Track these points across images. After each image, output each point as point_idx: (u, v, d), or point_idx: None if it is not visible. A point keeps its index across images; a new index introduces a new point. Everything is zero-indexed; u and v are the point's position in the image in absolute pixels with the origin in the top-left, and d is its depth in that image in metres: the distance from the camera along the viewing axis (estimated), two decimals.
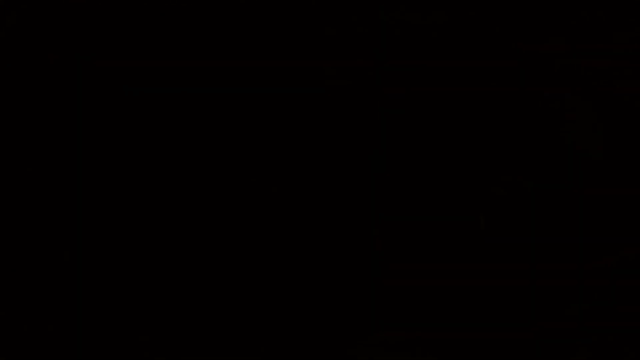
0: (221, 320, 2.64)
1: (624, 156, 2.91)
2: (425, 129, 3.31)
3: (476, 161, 3.04)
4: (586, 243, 2.83)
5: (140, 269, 2.91)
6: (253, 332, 2.57)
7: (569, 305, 2.64)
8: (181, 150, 3.48)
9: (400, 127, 3.43)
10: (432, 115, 3.26)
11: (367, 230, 2.97)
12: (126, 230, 3.13)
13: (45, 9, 3.39)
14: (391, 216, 2.94)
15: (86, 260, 2.95)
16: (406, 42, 3.25)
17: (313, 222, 3.02)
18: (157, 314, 2.65)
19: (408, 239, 2.86)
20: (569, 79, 3.09)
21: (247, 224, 3.09)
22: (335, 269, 2.82)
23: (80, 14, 3.35)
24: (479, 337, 2.51)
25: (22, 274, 2.88)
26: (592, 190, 2.78)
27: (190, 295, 2.74)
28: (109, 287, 2.83)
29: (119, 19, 3.39)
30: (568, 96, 2.99)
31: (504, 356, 2.45)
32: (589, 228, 2.82)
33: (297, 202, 3.12)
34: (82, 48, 3.32)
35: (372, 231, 2.96)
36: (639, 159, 2.82)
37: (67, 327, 2.64)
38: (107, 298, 2.76)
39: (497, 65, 3.11)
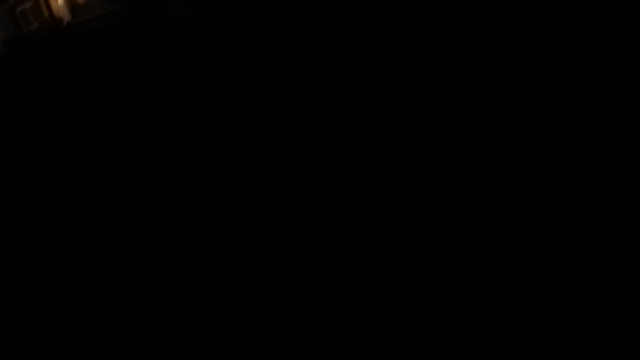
0: (221, 320, 2.61)
1: None
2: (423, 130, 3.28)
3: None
4: None
5: (140, 269, 2.90)
6: (253, 332, 2.55)
7: None
8: (180, 149, 3.48)
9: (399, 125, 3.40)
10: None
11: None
12: (127, 230, 3.12)
13: None
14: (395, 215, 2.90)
15: (86, 260, 2.94)
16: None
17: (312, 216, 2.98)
18: (157, 314, 2.63)
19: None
20: None
21: (246, 219, 3.06)
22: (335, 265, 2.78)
23: None
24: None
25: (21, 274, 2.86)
26: None
27: (190, 295, 2.71)
28: (108, 287, 2.81)
29: None
30: None
31: None
32: None
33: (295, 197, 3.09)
34: None
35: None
36: None
37: (67, 327, 2.62)
38: (107, 298, 2.75)
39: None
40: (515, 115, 2.97)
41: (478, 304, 2.44)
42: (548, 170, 2.84)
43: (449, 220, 2.72)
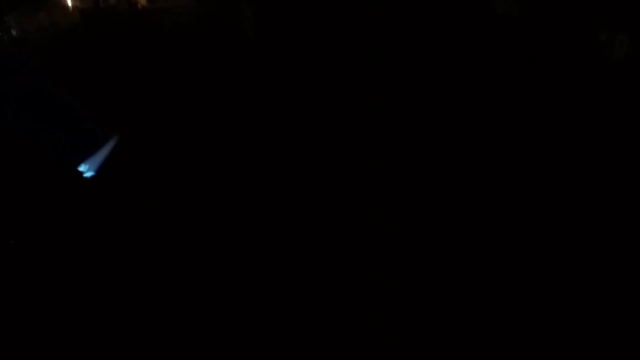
0: (223, 323, 2.62)
1: None
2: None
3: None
4: None
5: (141, 269, 2.95)
6: (253, 332, 2.55)
7: None
8: (182, 149, 3.55)
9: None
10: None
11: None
12: (127, 231, 3.18)
13: None
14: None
15: (86, 260, 3.01)
16: None
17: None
18: (157, 314, 2.66)
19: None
20: None
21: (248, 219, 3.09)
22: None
23: None
24: None
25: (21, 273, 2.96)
26: None
27: (191, 295, 2.73)
28: (108, 287, 2.88)
29: None
30: None
31: None
32: None
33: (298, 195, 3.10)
34: None
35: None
36: None
37: (66, 327, 2.69)
38: (107, 298, 2.81)
39: None
40: (521, 120, 3.01)
41: (486, 311, 2.38)
42: (557, 176, 2.87)
43: (456, 226, 2.74)
